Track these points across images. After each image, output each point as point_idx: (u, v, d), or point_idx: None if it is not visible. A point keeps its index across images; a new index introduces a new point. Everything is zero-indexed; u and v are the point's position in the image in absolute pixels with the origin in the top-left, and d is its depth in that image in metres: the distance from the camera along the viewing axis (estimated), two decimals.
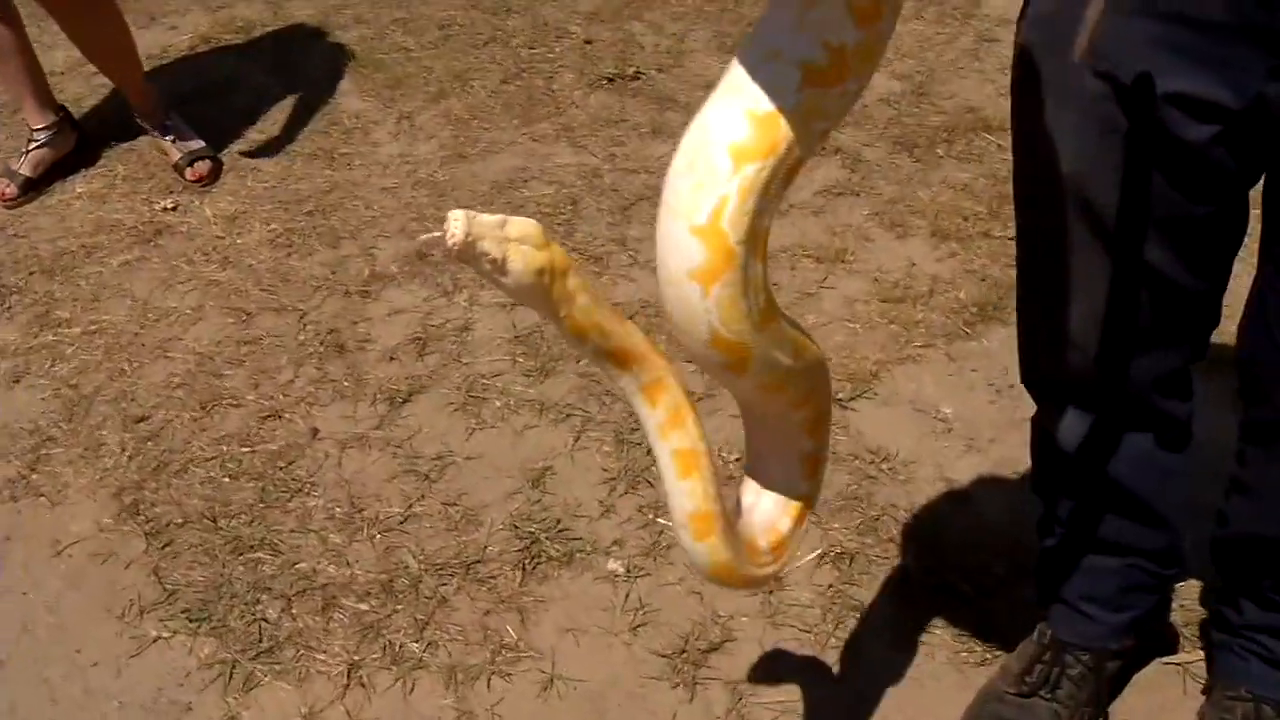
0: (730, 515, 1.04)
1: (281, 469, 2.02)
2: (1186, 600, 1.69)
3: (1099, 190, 1.12)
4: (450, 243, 0.78)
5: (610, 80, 3.23)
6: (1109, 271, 1.17)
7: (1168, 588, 1.50)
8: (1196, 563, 1.53)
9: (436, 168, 2.88)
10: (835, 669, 1.64)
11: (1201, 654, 1.64)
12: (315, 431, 2.09)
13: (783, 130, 0.81)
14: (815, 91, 0.81)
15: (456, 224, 0.78)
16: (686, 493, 0.96)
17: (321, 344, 2.31)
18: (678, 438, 0.96)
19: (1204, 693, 1.55)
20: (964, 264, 2.41)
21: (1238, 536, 1.36)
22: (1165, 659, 1.64)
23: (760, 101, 0.81)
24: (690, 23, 3.54)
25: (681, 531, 0.99)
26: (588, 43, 3.45)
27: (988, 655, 1.63)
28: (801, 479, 1.11)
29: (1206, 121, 1.04)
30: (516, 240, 0.82)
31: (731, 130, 0.82)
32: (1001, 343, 2.18)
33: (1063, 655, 1.49)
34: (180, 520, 1.95)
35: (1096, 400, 1.31)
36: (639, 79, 3.22)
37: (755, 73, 0.81)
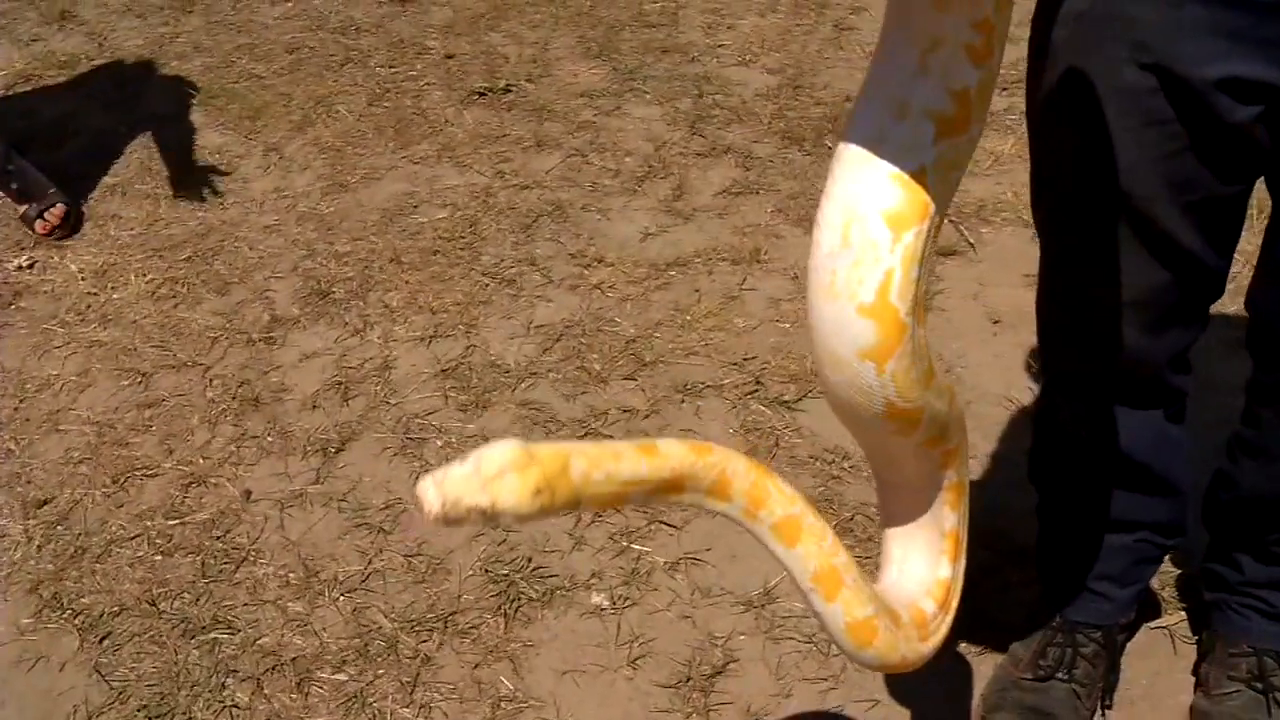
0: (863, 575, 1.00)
1: (219, 538, 1.89)
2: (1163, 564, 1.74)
3: (1139, 183, 1.13)
4: (430, 516, 0.72)
5: (481, 95, 3.14)
6: (1145, 260, 1.18)
7: (1179, 535, 1.54)
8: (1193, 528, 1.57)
9: (318, 200, 2.75)
10: (841, 673, 1.62)
11: (1184, 615, 1.69)
12: (248, 494, 1.96)
13: (930, 188, 0.78)
14: (948, 143, 0.79)
15: (431, 494, 0.72)
16: (800, 558, 0.91)
17: (234, 399, 2.17)
18: (766, 514, 0.89)
19: (1199, 653, 1.60)
20: None
21: (1245, 497, 1.40)
22: (1151, 624, 1.69)
23: (901, 161, 0.78)
24: (549, 30, 3.49)
25: (812, 597, 0.93)
26: (449, 57, 3.36)
27: (987, 644, 1.64)
28: (945, 558, 1.06)
29: (1252, 103, 1.06)
30: (497, 477, 0.74)
31: (881, 197, 0.78)
32: (933, 328, 2.21)
33: (1075, 635, 1.52)
34: (115, 609, 1.79)
35: (1116, 384, 1.33)
36: (510, 91, 3.15)
37: (889, 131, 0.78)
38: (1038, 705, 1.49)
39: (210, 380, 2.21)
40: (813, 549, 0.91)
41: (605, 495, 0.79)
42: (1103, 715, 1.56)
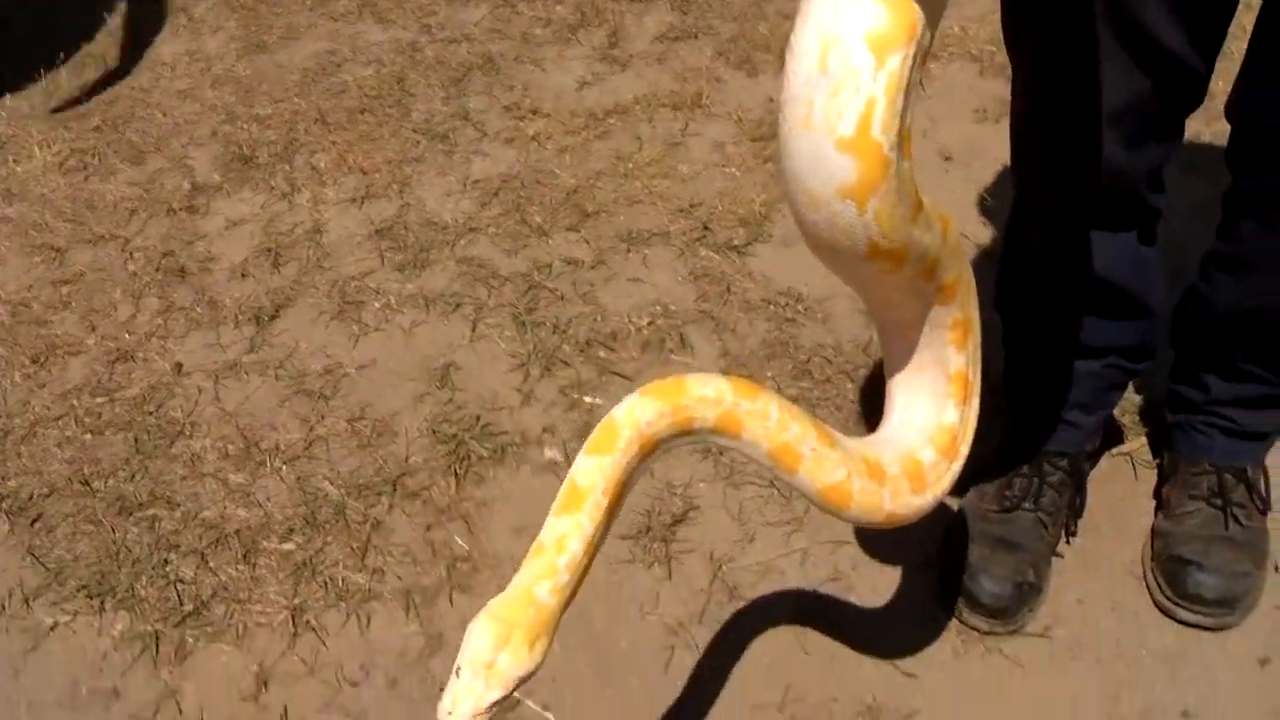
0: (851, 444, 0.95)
1: (151, 414, 1.80)
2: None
3: None
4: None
5: None
6: (1127, 67, 1.12)
7: (1150, 358, 1.51)
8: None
9: (233, 62, 2.60)
10: (807, 517, 1.59)
11: (1144, 440, 1.67)
12: (179, 367, 1.87)
13: (914, 6, 0.70)
14: None
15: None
16: (749, 445, 0.90)
17: (157, 270, 2.06)
18: (700, 424, 0.89)
19: (1161, 476, 1.58)
20: None
21: (1218, 315, 1.36)
22: (1113, 450, 1.67)
23: None
24: None
25: (777, 473, 0.92)
26: None
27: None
28: (950, 401, 1.00)
29: None
30: (491, 666, 0.82)
31: (863, 17, 0.70)
32: None
33: (1042, 465, 1.49)
34: (44, 490, 1.71)
35: (1092, 205, 1.28)
36: None
37: None
38: (1004, 536, 1.47)
39: (131, 253, 2.10)
40: (758, 433, 0.88)
41: (580, 573, 0.87)
42: (1067, 542, 1.54)
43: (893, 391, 1.05)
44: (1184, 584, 1.42)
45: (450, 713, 0.81)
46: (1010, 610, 1.43)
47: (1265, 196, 1.21)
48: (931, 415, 1.02)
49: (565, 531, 0.86)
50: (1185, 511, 1.48)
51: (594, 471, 0.87)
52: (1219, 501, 1.46)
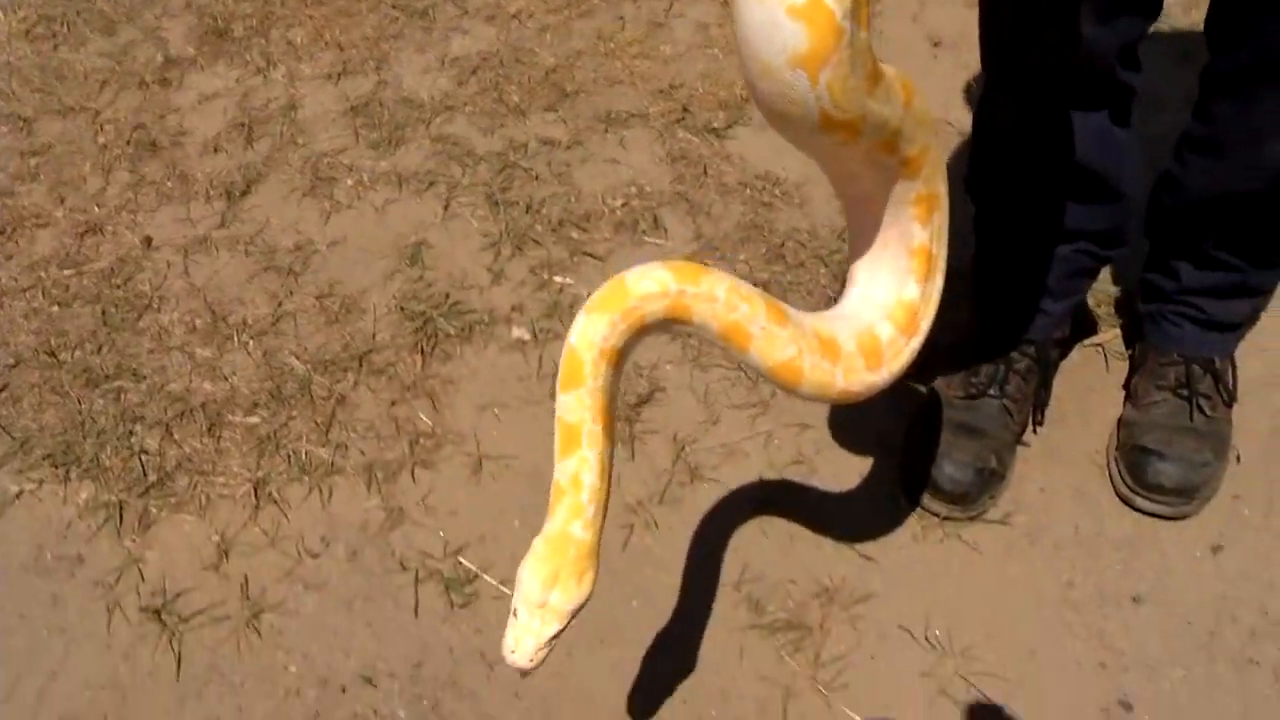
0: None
1: (119, 287, 1.79)
2: (1097, 281, 1.68)
3: None
4: (531, 671, 0.91)
5: None
6: None
7: (1103, 267, 1.49)
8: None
9: None
10: (772, 400, 1.58)
11: (1118, 332, 1.65)
12: (149, 241, 1.85)
13: None
14: None
15: (520, 661, 0.90)
16: (701, 327, 0.89)
17: (128, 144, 2.03)
18: (651, 317, 0.88)
19: (1131, 367, 1.57)
20: None
21: (1190, 200, 1.33)
22: (1085, 341, 1.65)
23: None
24: None
25: (730, 352, 0.91)
26: None
27: (923, 365, 1.59)
28: (911, 277, 0.97)
29: None
30: (544, 605, 0.90)
31: None
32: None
33: (1009, 351, 1.47)
34: (10, 361, 1.71)
35: (1063, 81, 1.24)
36: None
37: None
38: (968, 422, 1.46)
39: (101, 125, 2.06)
40: (707, 315, 0.87)
41: (604, 499, 0.93)
42: (1033, 431, 1.54)
43: (855, 267, 1.03)
44: (1144, 473, 1.42)
45: (514, 650, 0.89)
46: (971, 496, 1.43)
47: (1239, 74, 1.18)
48: (892, 291, 0.99)
49: (575, 469, 0.91)
50: (1151, 401, 1.47)
51: (576, 406, 0.89)
52: (1185, 392, 1.45)
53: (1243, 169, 1.24)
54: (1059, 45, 1.19)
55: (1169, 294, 1.45)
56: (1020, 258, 1.42)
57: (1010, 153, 1.37)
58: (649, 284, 0.86)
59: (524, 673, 0.90)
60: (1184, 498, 1.41)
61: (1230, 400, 1.47)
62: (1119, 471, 1.46)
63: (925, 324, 1.02)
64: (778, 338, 0.89)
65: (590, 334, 0.88)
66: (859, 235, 1.01)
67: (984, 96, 1.40)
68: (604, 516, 0.93)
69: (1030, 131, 1.31)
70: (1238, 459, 1.48)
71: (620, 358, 0.90)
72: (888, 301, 0.99)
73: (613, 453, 0.93)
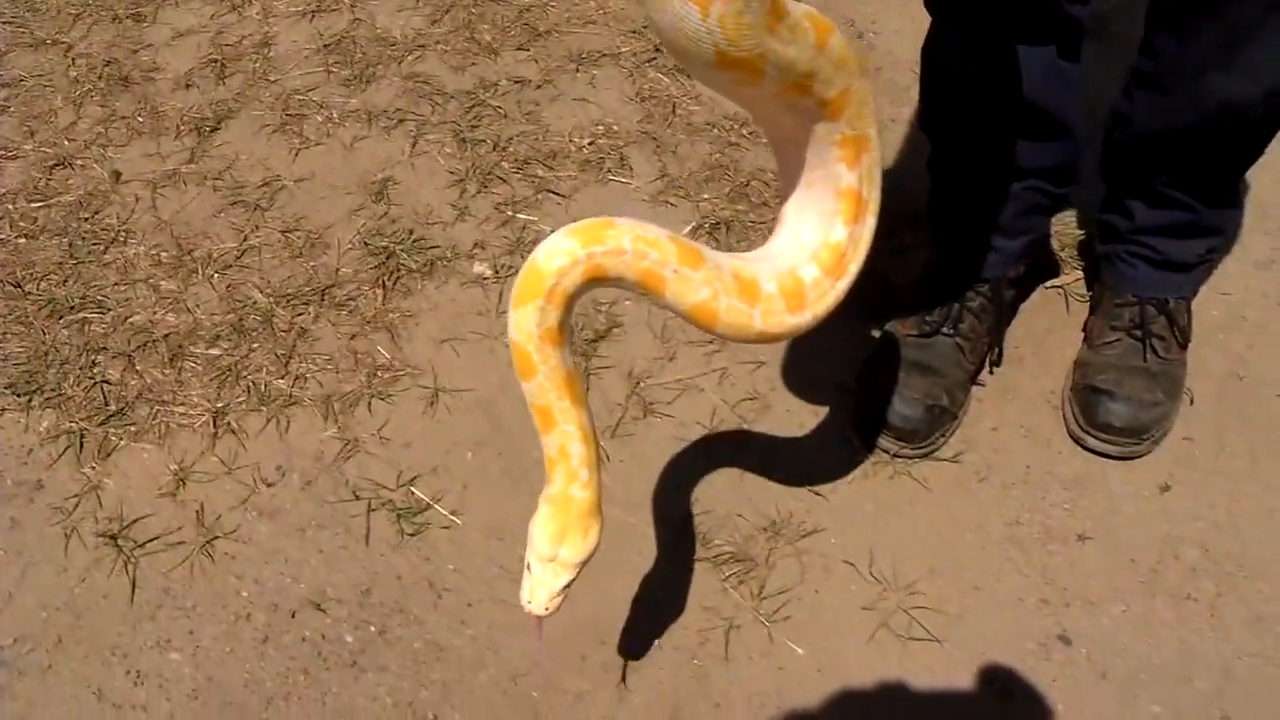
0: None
1: (87, 220, 1.79)
2: (1061, 225, 1.68)
3: None
4: (546, 617, 1.00)
5: None
6: None
7: (1059, 208, 1.48)
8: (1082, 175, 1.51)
9: None
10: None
11: (1080, 274, 1.65)
12: (117, 175, 1.86)
13: None
14: None
15: (536, 608, 0.99)
16: (619, 281, 0.91)
17: (100, 78, 2.03)
18: (571, 283, 0.90)
19: (1090, 308, 1.57)
20: None
21: (1139, 135, 1.33)
22: (1047, 283, 1.65)
23: None
24: None
25: (649, 299, 0.93)
26: None
27: (877, 303, 1.59)
28: (839, 219, 0.95)
29: None
30: (553, 558, 0.99)
31: None
32: None
33: (963, 290, 1.47)
34: None
35: (1007, 13, 1.23)
36: None
37: None
38: (920, 360, 1.46)
39: (73, 59, 2.06)
40: (621, 269, 0.88)
41: (594, 460, 1.00)
42: (990, 371, 1.54)
43: (784, 209, 1.02)
44: (1095, 412, 1.42)
45: (530, 600, 0.99)
46: (920, 433, 1.44)
47: (1178, 7, 1.17)
48: (819, 233, 0.98)
49: (560, 441, 0.97)
50: (1105, 342, 1.47)
51: (539, 391, 0.94)
52: (1138, 333, 1.45)
53: (1187, 103, 1.23)
54: None
55: (1124, 234, 1.45)
56: (972, 195, 1.42)
57: (958, 90, 1.36)
58: (559, 259, 0.88)
59: (540, 620, 1.00)
60: (1134, 438, 1.42)
61: (1184, 342, 1.47)
62: (1071, 412, 1.46)
63: (854, 267, 1.00)
64: (691, 280, 0.90)
65: (524, 326, 0.91)
66: (786, 176, 1.00)
67: (931, 34, 1.39)
68: (598, 473, 1.00)
69: (978, 68, 1.30)
70: (1190, 400, 1.48)
71: (561, 333, 0.92)
72: (814, 243, 0.98)
73: (589, 414, 0.99)
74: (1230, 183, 1.36)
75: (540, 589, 0.99)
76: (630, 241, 0.88)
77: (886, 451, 1.46)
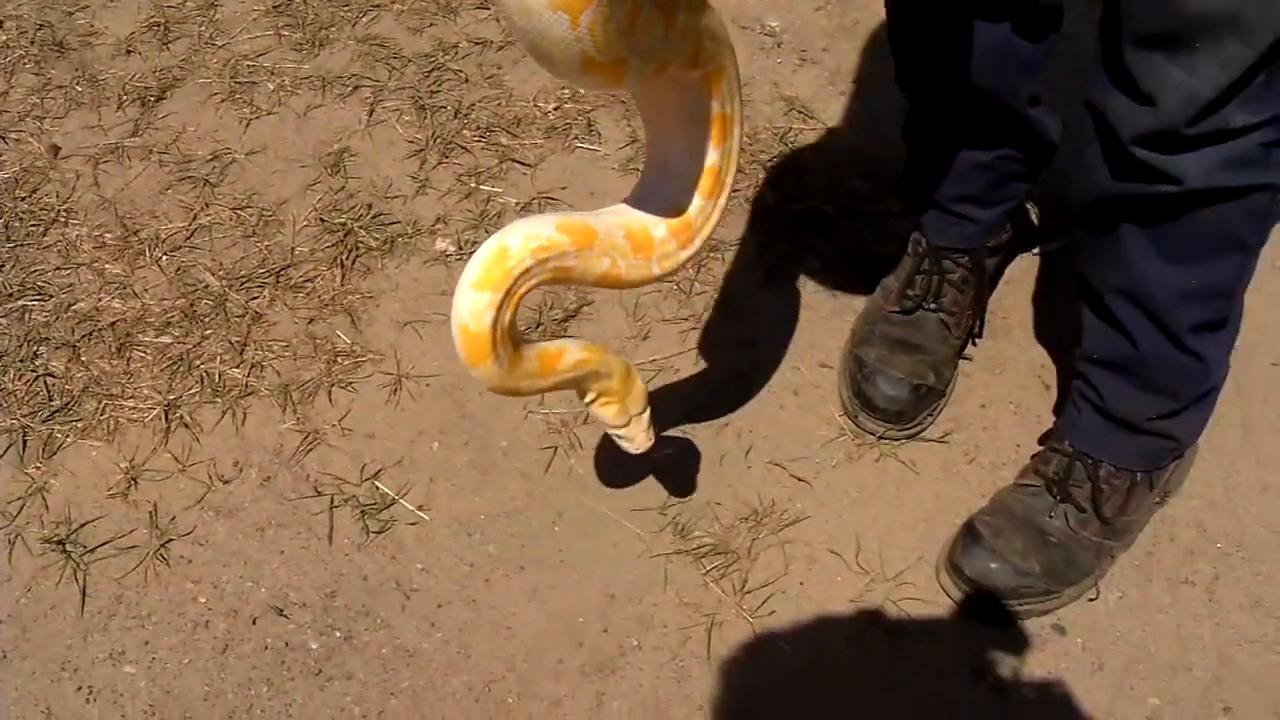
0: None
1: (24, 199, 1.70)
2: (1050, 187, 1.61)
3: None
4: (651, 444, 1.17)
5: None
6: None
7: (1039, 173, 1.41)
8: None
9: None
10: (706, 315, 1.52)
11: (1066, 239, 1.58)
12: (56, 149, 1.76)
13: None
14: None
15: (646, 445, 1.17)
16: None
17: (32, 44, 1.92)
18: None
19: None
20: None
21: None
22: (1034, 250, 1.59)
23: None
24: None
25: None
26: None
27: (861, 274, 1.53)
28: (708, 143, 0.94)
29: None
30: (632, 409, 1.14)
31: None
32: None
33: (941, 262, 1.41)
34: None
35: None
36: None
37: None
38: (905, 338, 1.40)
39: (2, 23, 1.95)
40: (533, 282, 0.90)
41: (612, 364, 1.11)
42: (973, 344, 1.48)
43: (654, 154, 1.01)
44: (958, 551, 1.27)
45: (635, 450, 1.17)
46: (907, 414, 1.38)
47: None
48: (693, 163, 0.97)
49: (571, 375, 1.04)
50: (1024, 483, 1.31)
51: (494, 378, 0.94)
52: (1056, 491, 1.28)
53: None
54: None
55: (1075, 357, 1.28)
56: (943, 164, 1.34)
57: (919, 60, 1.29)
58: (483, 316, 0.88)
59: (651, 445, 1.17)
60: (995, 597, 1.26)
61: (1107, 524, 1.27)
62: (946, 549, 1.30)
63: (728, 179, 1.00)
64: (590, 258, 0.93)
65: (483, 370, 0.93)
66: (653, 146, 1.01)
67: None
68: (601, 351, 1.07)
69: (932, 38, 1.22)
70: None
71: (509, 338, 0.92)
72: (691, 174, 0.97)
73: (573, 344, 1.05)
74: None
75: (628, 444, 1.16)
76: (519, 244, 0.88)
77: (872, 433, 1.40)
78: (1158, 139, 1.00)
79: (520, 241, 0.88)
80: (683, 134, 0.95)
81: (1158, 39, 0.96)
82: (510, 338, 0.92)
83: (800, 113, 1.77)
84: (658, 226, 0.98)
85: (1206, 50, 0.93)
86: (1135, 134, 1.01)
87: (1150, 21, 0.96)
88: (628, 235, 0.96)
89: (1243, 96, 0.95)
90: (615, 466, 1.38)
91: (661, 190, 0.98)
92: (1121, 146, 1.03)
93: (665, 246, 0.98)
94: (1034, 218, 1.58)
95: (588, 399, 1.11)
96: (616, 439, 1.16)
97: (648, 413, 1.15)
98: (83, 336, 1.53)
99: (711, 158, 0.96)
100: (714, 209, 1.00)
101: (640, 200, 0.99)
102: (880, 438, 1.40)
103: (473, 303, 0.88)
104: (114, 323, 1.54)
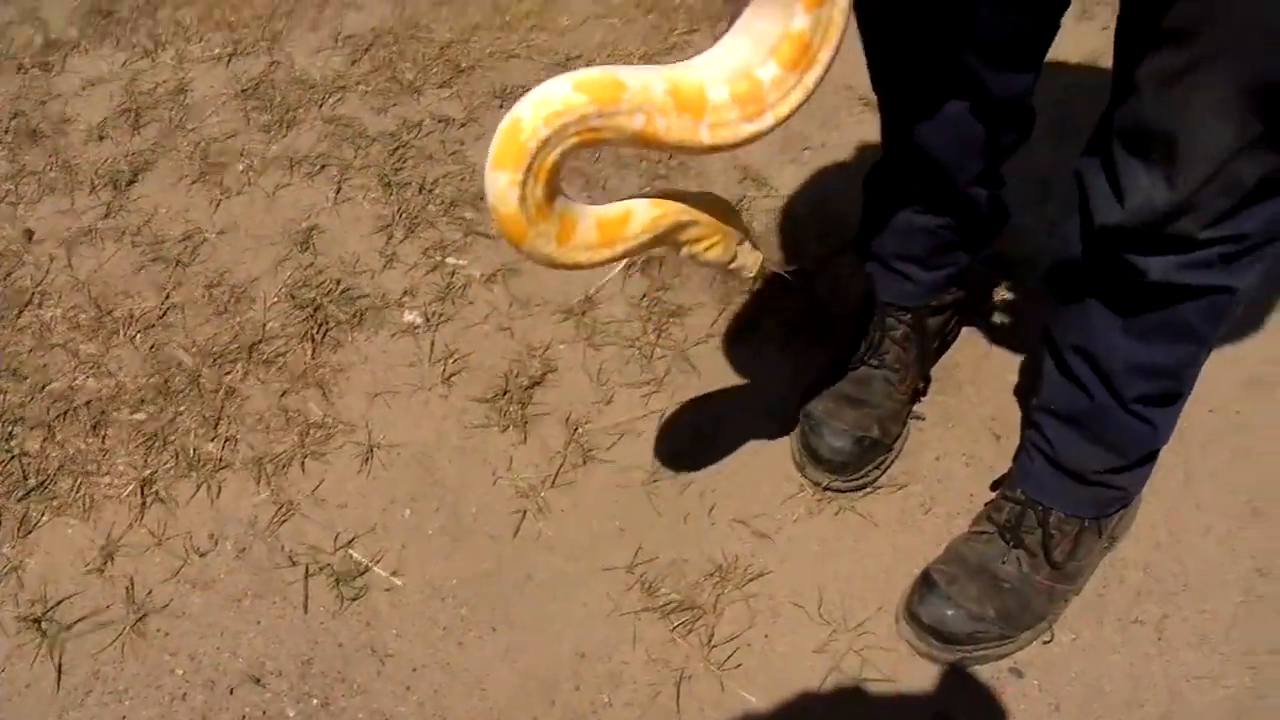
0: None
1: None
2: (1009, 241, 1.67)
3: None
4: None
5: None
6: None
7: (981, 248, 1.46)
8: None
9: None
10: (667, 378, 1.57)
11: (1012, 295, 1.65)
12: (30, 234, 1.80)
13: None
14: None
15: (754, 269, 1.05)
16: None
17: (6, 132, 1.97)
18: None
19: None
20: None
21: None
22: (984, 303, 1.65)
23: None
24: None
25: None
26: None
27: (817, 333, 1.59)
28: (798, 5, 0.82)
29: None
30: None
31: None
32: None
33: (885, 318, 1.46)
34: None
35: (929, 72, 1.21)
36: None
37: None
38: (851, 393, 1.45)
39: None
40: (564, 149, 0.82)
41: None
42: (918, 400, 1.53)
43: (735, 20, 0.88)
44: (915, 601, 1.32)
45: (752, 274, 1.07)
46: (850, 465, 1.42)
47: None
48: (776, 25, 0.84)
49: (651, 215, 0.93)
50: (978, 531, 1.36)
51: (544, 253, 0.89)
52: (1009, 537, 1.33)
53: None
54: (931, 54, 1.17)
55: (1032, 407, 1.36)
56: (892, 221, 1.40)
57: (885, 121, 1.35)
58: (501, 178, 0.82)
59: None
60: (942, 642, 1.30)
61: (1057, 569, 1.32)
62: (903, 598, 1.34)
63: (824, 55, 0.86)
64: (618, 118, 0.82)
65: (528, 247, 0.87)
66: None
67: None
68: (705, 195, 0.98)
69: (898, 131, 1.29)
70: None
71: (548, 212, 0.86)
72: (771, 37, 0.85)
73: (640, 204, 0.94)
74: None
75: (749, 265, 1.05)
76: (545, 127, 0.80)
77: (818, 483, 1.44)
78: (1124, 234, 1.06)
79: (531, 111, 0.80)
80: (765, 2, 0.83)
81: (1131, 140, 1.03)
82: (551, 210, 0.85)
83: (754, 180, 1.84)
84: (718, 88, 0.84)
85: (1161, 166, 1.00)
86: (1106, 223, 1.07)
87: (1127, 121, 1.03)
88: (672, 91, 0.83)
89: (1198, 215, 1.00)
90: (584, 529, 1.42)
91: (736, 48, 0.85)
92: (1094, 229, 1.09)
93: (723, 113, 0.85)
94: (982, 277, 1.64)
95: (682, 253, 1.00)
96: (731, 273, 1.05)
97: (750, 232, 1.04)
98: (58, 416, 1.56)
99: (800, 22, 0.82)
100: (796, 85, 0.86)
101: (712, 57, 0.86)
102: (826, 488, 1.44)
103: (494, 184, 0.82)
104: (89, 401, 1.58)
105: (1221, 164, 0.96)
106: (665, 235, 0.95)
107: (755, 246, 1.05)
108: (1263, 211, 1.00)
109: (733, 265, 1.03)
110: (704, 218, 0.97)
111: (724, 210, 1.00)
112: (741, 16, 0.85)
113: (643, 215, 0.92)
